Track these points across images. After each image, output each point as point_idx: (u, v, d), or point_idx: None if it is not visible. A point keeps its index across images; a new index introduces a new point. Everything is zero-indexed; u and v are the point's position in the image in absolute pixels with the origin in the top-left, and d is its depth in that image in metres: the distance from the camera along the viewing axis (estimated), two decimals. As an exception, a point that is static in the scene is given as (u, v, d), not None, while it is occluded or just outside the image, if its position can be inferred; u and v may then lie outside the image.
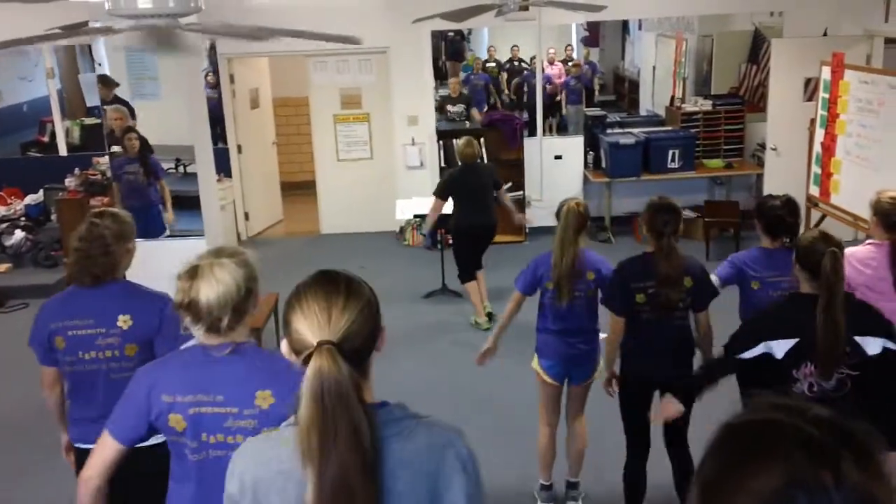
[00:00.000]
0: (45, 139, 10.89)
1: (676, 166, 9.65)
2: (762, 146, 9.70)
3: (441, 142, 9.90)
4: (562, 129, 12.12)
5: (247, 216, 10.68)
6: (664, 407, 3.81)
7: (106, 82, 8.24)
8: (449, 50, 14.48)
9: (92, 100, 10.71)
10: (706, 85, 11.76)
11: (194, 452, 2.42)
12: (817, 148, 7.82)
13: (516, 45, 13.45)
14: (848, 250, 3.96)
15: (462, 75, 12.89)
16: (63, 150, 10.59)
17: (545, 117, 10.51)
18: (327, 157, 10.51)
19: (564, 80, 12.94)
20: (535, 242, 9.43)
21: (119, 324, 3.24)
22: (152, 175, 7.88)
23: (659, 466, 4.32)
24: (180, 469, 2.49)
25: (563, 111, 12.67)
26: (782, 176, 8.99)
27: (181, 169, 8.14)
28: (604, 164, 9.82)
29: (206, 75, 10.03)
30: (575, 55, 14.16)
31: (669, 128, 10.36)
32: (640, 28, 14.16)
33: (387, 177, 10.18)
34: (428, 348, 7.03)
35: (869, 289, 4.10)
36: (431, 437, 1.75)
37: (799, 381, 3.26)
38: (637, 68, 14.34)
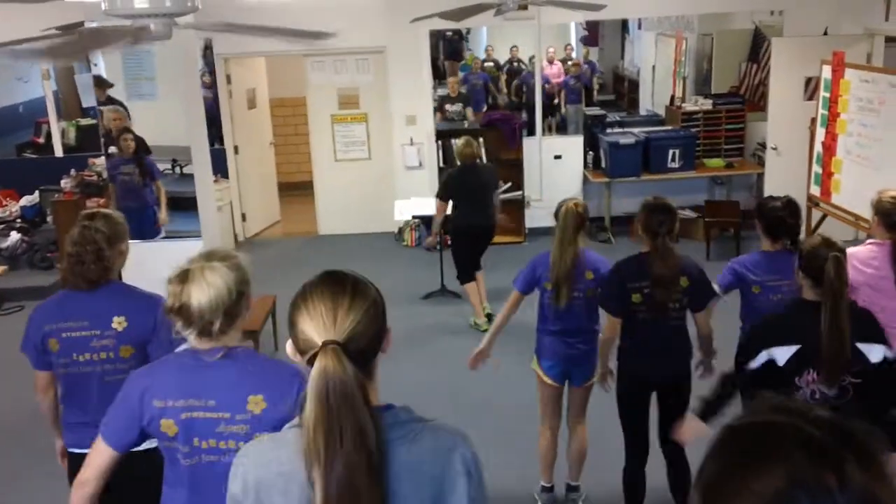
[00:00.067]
0: (41, 140, 10.85)
1: (676, 166, 9.62)
2: (763, 145, 9.67)
3: (440, 142, 9.86)
4: (561, 129, 12.10)
5: (244, 217, 10.65)
6: (687, 429, 3.78)
7: (99, 83, 8.21)
8: (447, 49, 14.45)
9: (88, 101, 10.67)
10: (706, 84, 11.74)
11: (186, 457, 2.41)
12: (818, 147, 7.79)
13: (515, 46, 13.43)
14: (849, 250, 3.94)
15: (460, 75, 12.86)
16: (59, 152, 10.56)
17: (544, 117, 10.48)
18: (325, 158, 10.47)
19: (564, 79, 12.92)
20: (534, 243, 9.40)
21: (114, 325, 3.22)
22: (148, 176, 7.86)
23: (658, 468, 4.31)
24: (173, 474, 2.47)
25: (563, 111, 12.64)
26: (783, 175, 8.97)
27: (178, 170, 8.11)
28: (603, 164, 9.79)
29: (202, 76, 9.99)
30: (574, 54, 14.14)
31: (669, 127, 10.33)
32: (639, 27, 14.13)
33: (385, 177, 10.14)
34: (427, 349, 7.00)
35: (871, 288, 4.09)
36: (437, 441, 1.75)
37: (801, 389, 3.23)
38: (637, 67, 14.31)
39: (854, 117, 7.21)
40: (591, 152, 10.03)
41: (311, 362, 1.65)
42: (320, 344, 1.64)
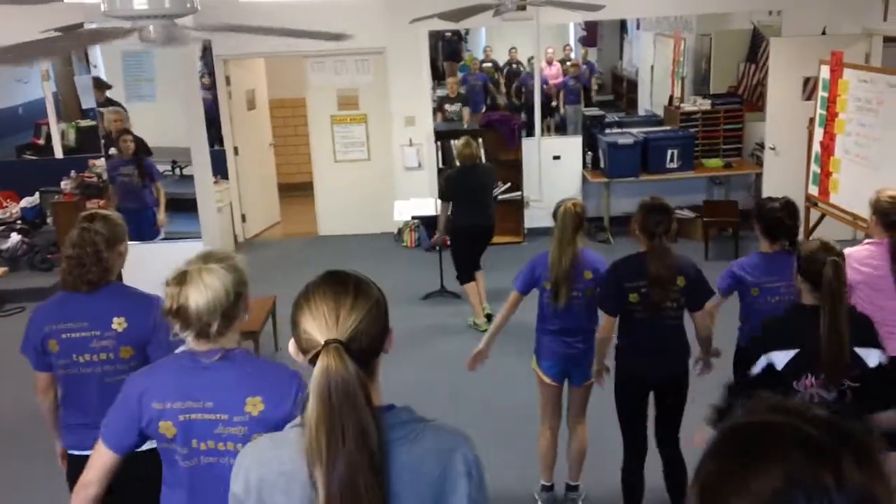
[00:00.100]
0: (41, 142, 10.86)
1: (675, 166, 9.63)
2: (761, 145, 9.68)
3: (439, 142, 9.87)
4: (560, 130, 12.10)
5: (244, 218, 10.65)
6: (698, 438, 3.79)
7: (98, 85, 8.23)
8: (446, 50, 14.46)
9: (88, 102, 10.69)
10: (705, 84, 11.75)
11: (185, 459, 2.41)
12: (816, 147, 7.80)
13: (514, 48, 13.43)
14: (846, 251, 3.95)
15: (459, 76, 12.86)
16: (59, 153, 10.56)
17: (543, 118, 10.49)
18: (325, 159, 10.48)
19: (563, 80, 12.92)
20: (533, 243, 9.41)
21: (114, 326, 3.22)
22: (147, 177, 7.86)
23: (657, 468, 4.32)
24: (172, 475, 2.48)
25: (562, 111, 12.65)
26: (781, 175, 8.98)
27: (177, 171, 8.12)
28: (602, 165, 9.80)
29: (201, 77, 10.00)
30: (573, 55, 14.14)
31: (668, 127, 10.34)
32: (638, 27, 14.13)
33: (384, 178, 10.15)
34: (427, 350, 7.00)
35: (870, 287, 4.09)
36: (438, 442, 1.75)
37: (800, 393, 3.25)
38: (635, 68, 14.31)
39: (852, 117, 7.22)
40: (589, 153, 10.04)
41: (313, 361, 1.65)
42: (322, 343, 1.65)
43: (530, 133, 10.19)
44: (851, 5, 9.03)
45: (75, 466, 3.35)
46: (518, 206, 9.86)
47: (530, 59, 12.26)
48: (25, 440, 5.43)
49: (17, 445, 5.53)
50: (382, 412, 1.71)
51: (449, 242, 7.81)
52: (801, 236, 4.47)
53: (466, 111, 11.14)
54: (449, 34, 13.80)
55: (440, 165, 9.79)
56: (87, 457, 3.21)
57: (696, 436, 3.81)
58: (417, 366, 6.55)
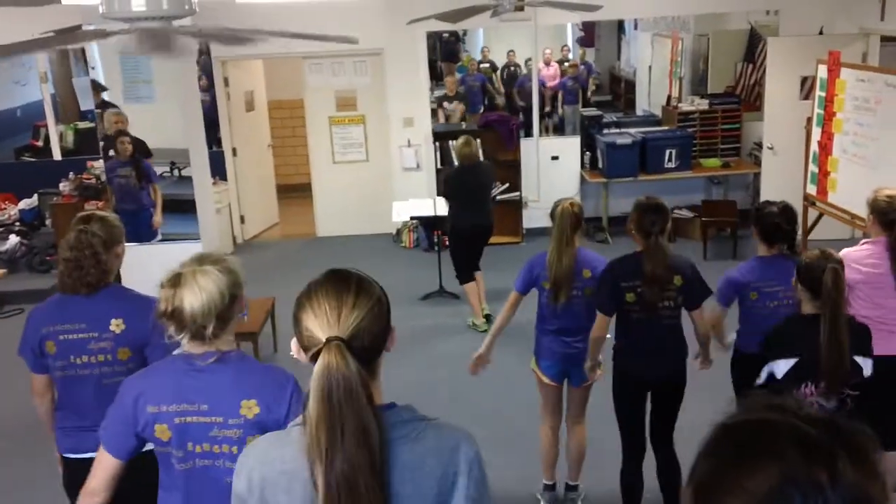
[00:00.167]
0: (39, 143, 10.85)
1: (673, 166, 9.64)
2: (759, 145, 9.69)
3: (437, 143, 9.87)
4: (558, 130, 12.11)
5: (242, 219, 10.65)
6: None
7: (93, 88, 8.24)
8: (444, 51, 14.46)
9: (86, 104, 10.67)
10: (702, 84, 11.75)
11: (181, 462, 2.41)
12: (814, 146, 7.80)
13: (512, 50, 13.43)
14: (843, 252, 3.98)
15: (458, 76, 12.87)
16: (57, 155, 10.55)
17: (541, 118, 10.49)
18: (323, 160, 10.48)
19: (561, 80, 12.93)
20: (531, 243, 9.42)
21: (112, 328, 3.21)
22: (144, 179, 7.86)
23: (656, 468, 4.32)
24: (168, 478, 2.48)
25: (560, 112, 12.65)
26: (779, 175, 8.99)
27: (176, 172, 8.12)
28: (600, 165, 9.80)
29: (199, 78, 10.00)
30: (571, 55, 14.14)
31: (666, 127, 10.35)
32: (635, 28, 14.13)
33: (383, 179, 10.16)
34: (426, 350, 7.01)
35: (870, 286, 4.10)
36: (440, 440, 1.75)
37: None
38: (633, 68, 14.31)
39: (850, 116, 7.23)
40: (588, 153, 10.04)
41: (314, 359, 1.65)
42: (324, 340, 1.65)
43: (529, 133, 10.19)
44: (848, 5, 9.04)
45: (72, 470, 3.34)
46: (516, 206, 9.87)
47: (527, 61, 12.26)
48: (26, 441, 5.42)
49: (18, 446, 5.52)
50: (384, 411, 1.71)
51: (448, 243, 7.82)
52: (799, 236, 4.47)
53: (461, 106, 11.16)
54: (446, 35, 13.80)
55: (438, 166, 9.80)
56: (83, 460, 3.22)
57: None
58: (417, 366, 6.55)
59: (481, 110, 12.09)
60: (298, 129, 11.69)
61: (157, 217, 7.92)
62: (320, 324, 1.68)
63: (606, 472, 4.54)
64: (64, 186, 9.39)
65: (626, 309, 4.04)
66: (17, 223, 9.43)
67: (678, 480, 4.18)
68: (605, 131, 10.10)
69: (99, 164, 9.04)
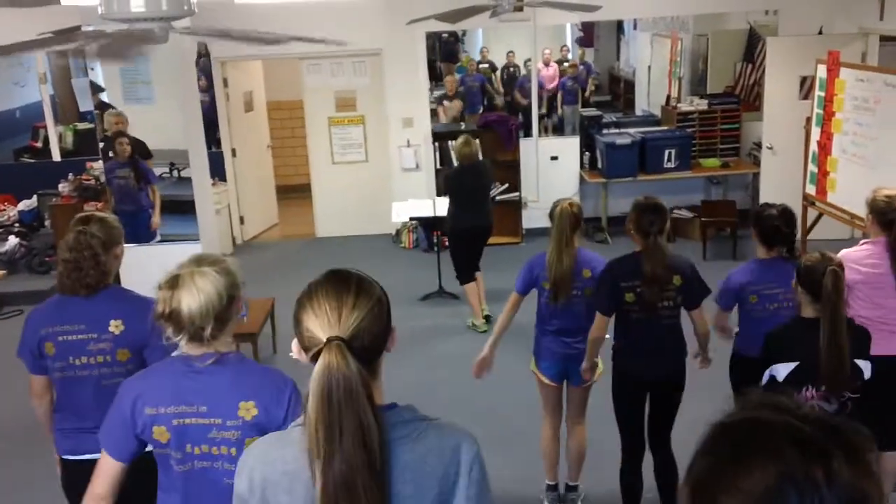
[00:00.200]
0: (39, 144, 10.85)
1: (673, 166, 9.64)
2: (758, 145, 9.69)
3: (436, 143, 9.87)
4: (558, 130, 12.11)
5: (242, 220, 10.65)
6: None
7: (92, 88, 8.25)
8: (443, 51, 14.46)
9: (85, 105, 10.68)
10: (702, 84, 11.75)
11: (179, 463, 2.41)
12: (813, 146, 7.80)
13: (512, 51, 13.43)
14: (842, 252, 3.98)
15: (457, 76, 12.87)
16: (56, 156, 10.55)
17: (540, 119, 10.49)
18: (322, 160, 10.48)
19: (561, 80, 12.92)
20: (531, 244, 9.42)
21: (111, 329, 3.20)
22: (143, 180, 7.86)
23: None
24: (167, 479, 2.48)
25: (559, 112, 12.65)
26: (779, 175, 8.99)
27: (175, 173, 8.12)
28: (600, 165, 9.80)
29: (198, 79, 10.01)
30: (570, 55, 14.14)
31: (665, 127, 10.35)
32: (635, 28, 14.14)
33: (382, 179, 10.16)
34: (425, 351, 7.00)
35: (870, 286, 4.09)
36: (441, 440, 1.75)
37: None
38: (632, 68, 14.32)
39: (849, 116, 7.23)
40: (587, 153, 10.04)
41: (315, 359, 1.65)
42: (325, 340, 1.65)
43: (528, 134, 10.19)
44: (847, 5, 9.04)
45: (71, 472, 3.34)
46: (516, 206, 9.87)
47: (527, 62, 12.26)
48: (25, 442, 5.42)
49: (17, 447, 5.51)
50: (385, 411, 1.71)
51: (447, 243, 7.82)
52: (798, 236, 4.47)
53: (459, 103, 11.16)
54: (446, 35, 13.80)
55: (438, 166, 9.80)
56: (82, 461, 3.22)
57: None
58: (416, 366, 6.55)
59: (480, 111, 12.08)
60: (298, 129, 11.69)
61: (156, 218, 7.92)
62: (321, 324, 1.67)
63: (606, 472, 4.54)
64: (63, 187, 9.39)
65: (625, 309, 4.04)
66: (17, 224, 9.43)
67: (675, 480, 4.19)
68: (605, 131, 10.10)
69: (98, 165, 9.04)
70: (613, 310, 4.08)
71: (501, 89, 13.36)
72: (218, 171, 9.89)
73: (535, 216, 9.43)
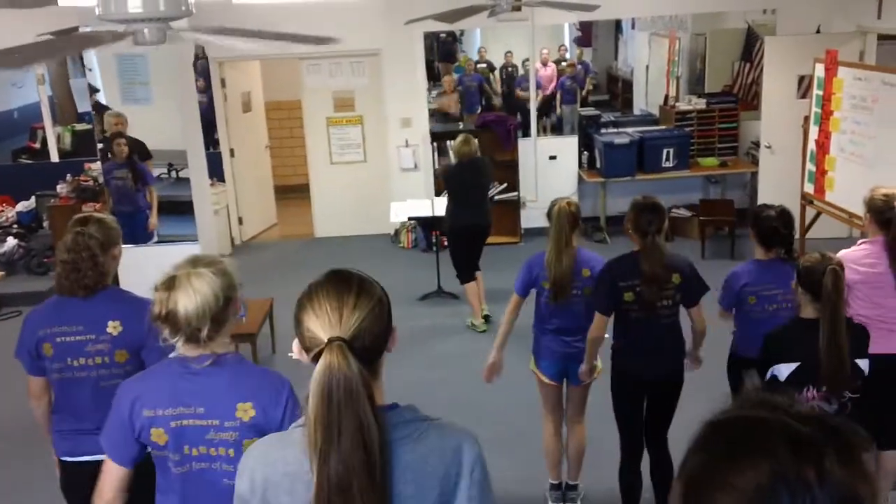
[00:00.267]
0: (37, 146, 10.84)
1: (671, 165, 9.65)
2: (756, 144, 9.70)
3: (435, 143, 9.87)
4: (556, 130, 12.10)
5: (240, 220, 10.64)
6: None
7: (90, 89, 8.25)
8: (441, 51, 14.44)
9: (83, 105, 10.66)
10: (700, 83, 11.75)
11: (177, 465, 2.41)
12: (812, 145, 7.80)
13: (510, 51, 13.42)
14: (841, 253, 3.98)
15: (455, 76, 12.86)
16: (54, 157, 10.53)
17: (538, 118, 10.49)
18: (321, 161, 10.48)
19: (560, 80, 12.91)
20: (530, 243, 9.42)
21: (109, 330, 3.20)
22: (140, 181, 7.85)
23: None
24: (165, 481, 2.48)
25: (559, 111, 12.64)
26: (777, 174, 9.00)
27: (174, 174, 8.11)
28: (598, 164, 9.81)
29: (196, 80, 10.00)
30: (568, 55, 14.13)
31: (663, 127, 10.36)
32: (633, 27, 14.13)
33: (381, 179, 10.15)
34: (425, 351, 7.00)
35: (869, 286, 4.09)
36: (442, 440, 1.75)
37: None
38: (630, 67, 14.31)
39: (847, 115, 7.23)
40: (585, 152, 10.05)
41: (316, 359, 1.65)
42: (326, 340, 1.65)
43: (526, 133, 10.19)
44: (845, 3, 9.04)
45: (69, 473, 3.34)
46: (514, 206, 9.87)
47: (525, 62, 12.26)
48: (23, 443, 5.41)
49: (15, 448, 5.51)
50: (386, 411, 1.71)
51: (447, 243, 7.81)
52: (796, 236, 4.47)
53: (455, 98, 11.18)
54: (444, 35, 13.78)
55: (436, 167, 9.80)
56: (81, 463, 3.22)
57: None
58: (416, 366, 6.54)
59: (479, 111, 12.07)
60: (296, 129, 11.68)
61: (153, 220, 7.91)
62: (322, 324, 1.68)
63: (605, 471, 4.54)
64: (61, 188, 9.38)
65: (624, 308, 4.04)
66: (15, 225, 9.42)
67: (672, 479, 4.18)
68: (603, 131, 10.11)
69: (96, 166, 9.04)
70: (612, 309, 4.08)
71: (499, 89, 13.35)
72: (216, 171, 9.89)
73: (533, 216, 9.42)
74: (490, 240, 7.71)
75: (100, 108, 8.30)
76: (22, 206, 9.60)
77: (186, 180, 8.17)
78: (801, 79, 8.94)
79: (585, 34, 15.05)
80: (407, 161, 9.98)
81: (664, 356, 4.11)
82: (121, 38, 3.15)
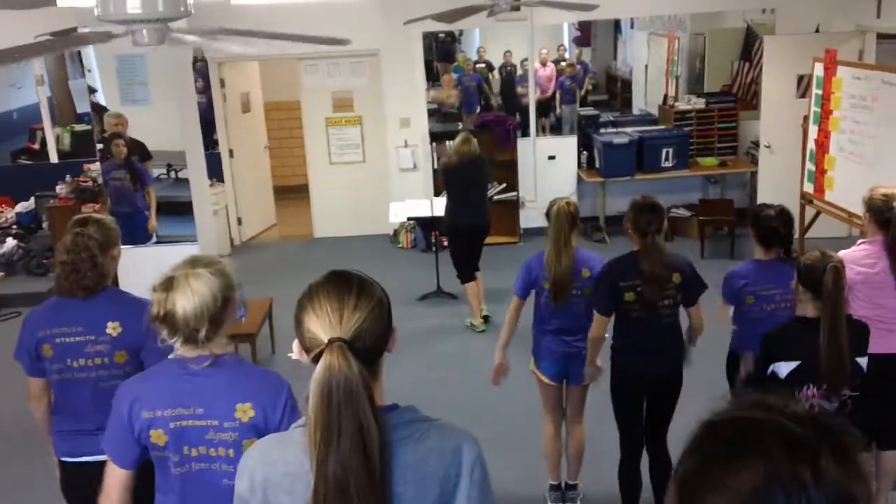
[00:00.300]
0: (36, 146, 10.83)
1: (670, 165, 9.64)
2: (756, 144, 9.69)
3: (434, 143, 9.87)
4: (555, 130, 12.10)
5: (240, 221, 10.64)
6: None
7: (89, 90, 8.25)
8: (439, 51, 14.44)
9: (82, 106, 10.66)
10: (699, 83, 11.74)
11: (177, 466, 2.41)
12: (811, 145, 7.80)
13: (509, 51, 13.43)
14: (841, 253, 3.98)
15: (453, 76, 12.86)
16: (54, 158, 10.53)
17: (537, 118, 10.49)
18: (320, 161, 10.48)
19: (560, 80, 12.91)
20: (529, 243, 9.42)
21: (108, 331, 3.20)
22: (138, 181, 7.85)
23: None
24: (164, 482, 2.48)
25: (558, 111, 12.64)
26: (776, 173, 9.00)
27: (173, 174, 8.11)
28: (597, 164, 9.81)
29: (195, 81, 9.99)
30: (567, 55, 14.12)
31: (662, 126, 10.36)
32: (632, 27, 14.12)
33: (380, 179, 10.15)
34: (424, 351, 7.00)
35: (869, 286, 4.08)
36: (442, 441, 1.75)
37: (800, 402, 3.27)
38: (629, 67, 14.31)
39: (847, 114, 7.23)
40: (584, 152, 10.05)
41: (316, 360, 1.65)
42: (326, 341, 1.65)
43: (525, 133, 10.19)
44: (844, 3, 9.04)
45: (69, 473, 3.34)
46: (513, 206, 9.87)
47: (523, 62, 12.25)
48: (23, 443, 5.41)
49: (15, 448, 5.51)
50: (386, 412, 1.71)
51: (447, 242, 7.81)
52: (796, 235, 4.47)
53: (455, 93, 11.18)
54: (442, 35, 13.78)
55: (435, 167, 9.79)
56: (80, 463, 3.22)
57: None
58: (415, 367, 6.54)
59: (477, 111, 12.07)
60: (295, 130, 11.67)
61: (153, 221, 7.91)
62: (322, 325, 1.68)
63: (605, 471, 4.53)
64: (61, 189, 9.38)
65: (625, 308, 4.03)
66: (14, 226, 9.42)
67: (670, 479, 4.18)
68: (602, 131, 10.11)
69: (95, 167, 9.04)
70: (612, 310, 4.08)
71: (496, 90, 13.34)
72: (215, 172, 9.89)
73: (532, 216, 9.42)
74: (489, 240, 7.71)
75: (98, 109, 8.29)
76: (21, 206, 9.60)
77: (185, 181, 8.17)
78: (801, 78, 8.94)
79: (584, 34, 15.04)
80: (406, 161, 9.98)
81: (665, 356, 4.10)
82: (112, 39, 3.15)
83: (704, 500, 1.00)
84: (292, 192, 12.02)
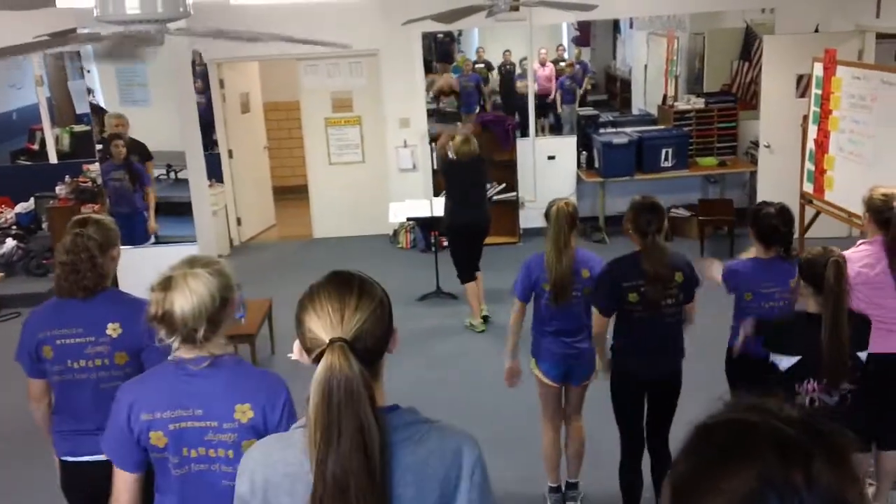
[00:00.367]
0: (35, 147, 10.83)
1: (670, 165, 9.64)
2: (755, 143, 9.69)
3: (433, 143, 9.85)
4: (554, 130, 12.11)
5: (239, 221, 10.64)
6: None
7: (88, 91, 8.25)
8: (438, 51, 14.44)
9: (81, 107, 10.66)
10: (698, 83, 11.74)
11: (177, 467, 2.41)
12: (810, 144, 7.80)
13: (508, 50, 13.43)
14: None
15: (453, 76, 12.86)
16: (53, 158, 10.54)
17: (537, 118, 10.49)
18: (319, 161, 10.47)
19: (559, 80, 12.91)
20: (528, 243, 9.42)
21: (108, 332, 3.19)
22: (137, 182, 7.85)
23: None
24: (164, 483, 2.48)
25: (559, 111, 12.64)
26: (776, 173, 9.00)
27: (172, 175, 8.11)
28: (597, 164, 9.81)
29: (194, 81, 9.99)
30: (566, 55, 14.13)
31: (662, 126, 10.35)
32: (631, 27, 14.12)
33: (379, 180, 10.15)
34: (424, 351, 6.99)
35: (869, 286, 4.07)
36: (442, 442, 1.75)
37: (800, 396, 3.28)
38: (629, 67, 14.31)
39: (846, 114, 7.23)
40: (584, 152, 10.04)
41: (317, 360, 1.65)
42: (327, 342, 1.65)
43: (525, 133, 10.19)
44: (844, 2, 9.04)
45: (70, 473, 3.34)
46: (513, 206, 9.87)
47: (522, 61, 12.25)
48: (24, 443, 5.41)
49: (16, 448, 5.51)
50: (386, 413, 1.71)
51: (447, 242, 7.81)
52: (796, 235, 4.47)
53: (448, 76, 11.17)
54: (441, 35, 13.78)
55: (435, 167, 9.79)
56: (81, 463, 3.22)
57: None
58: (414, 367, 6.54)
59: (477, 111, 12.07)
60: (294, 130, 11.67)
61: (152, 221, 7.91)
62: (323, 325, 1.68)
63: (605, 471, 4.53)
64: (60, 190, 9.37)
65: (627, 308, 4.03)
66: (14, 227, 9.41)
67: None
68: (602, 131, 10.11)
69: (95, 168, 9.04)
70: (613, 310, 4.07)
71: (495, 90, 13.35)
72: (215, 172, 9.89)
73: (532, 216, 9.42)
74: (489, 240, 7.71)
75: (97, 110, 8.29)
76: (21, 207, 9.60)
77: (185, 181, 8.17)
78: (800, 78, 8.94)
79: (584, 34, 15.04)
80: (405, 161, 9.98)
81: (667, 356, 4.10)
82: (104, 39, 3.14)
83: (699, 503, 1.00)
84: (292, 193, 12.01)
